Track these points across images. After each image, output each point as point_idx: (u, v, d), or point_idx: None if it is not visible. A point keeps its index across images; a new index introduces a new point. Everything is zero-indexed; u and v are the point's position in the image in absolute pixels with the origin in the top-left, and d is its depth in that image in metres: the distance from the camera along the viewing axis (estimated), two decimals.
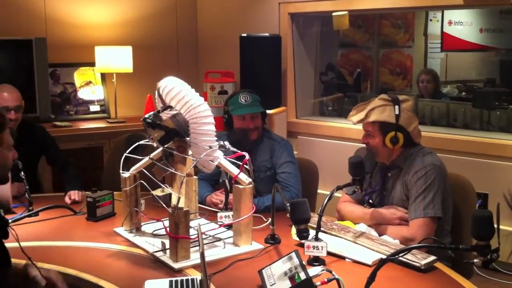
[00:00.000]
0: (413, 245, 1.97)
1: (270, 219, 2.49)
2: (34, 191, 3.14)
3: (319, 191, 3.28)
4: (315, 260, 2.18)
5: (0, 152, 2.00)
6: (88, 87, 5.14)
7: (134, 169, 2.63)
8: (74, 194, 3.07)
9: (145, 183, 2.55)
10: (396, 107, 2.57)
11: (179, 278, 2.04)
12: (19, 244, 1.96)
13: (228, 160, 2.49)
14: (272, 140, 3.15)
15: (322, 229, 2.35)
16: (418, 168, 2.53)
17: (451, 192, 2.59)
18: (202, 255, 1.74)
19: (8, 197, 2.83)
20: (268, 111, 3.58)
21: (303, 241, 2.19)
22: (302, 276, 1.80)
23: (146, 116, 2.36)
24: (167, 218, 2.30)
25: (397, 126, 2.55)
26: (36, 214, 2.83)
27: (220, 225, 2.52)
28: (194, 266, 2.20)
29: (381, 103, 2.61)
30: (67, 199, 3.06)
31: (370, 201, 2.70)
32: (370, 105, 2.63)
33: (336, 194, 2.38)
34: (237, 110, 3.06)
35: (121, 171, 2.60)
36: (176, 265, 2.19)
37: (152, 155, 2.58)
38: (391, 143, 2.56)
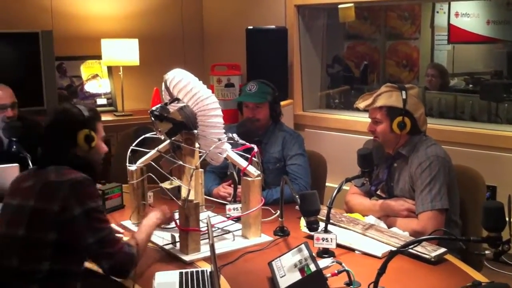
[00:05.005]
0: (424, 237, 1.95)
1: (278, 212, 2.48)
2: None
3: (327, 184, 3.27)
4: (325, 252, 2.17)
5: (97, 142, 2.06)
6: (95, 80, 5.14)
7: (141, 162, 2.63)
8: None
9: (153, 176, 2.55)
10: (403, 92, 2.56)
11: (189, 270, 2.04)
12: None
13: (236, 153, 2.48)
14: (284, 132, 3.15)
15: (331, 221, 2.34)
16: (422, 160, 2.51)
17: (456, 183, 2.57)
18: (212, 247, 1.74)
19: None
20: None
21: (312, 233, 2.19)
22: (312, 267, 1.80)
23: (154, 108, 2.33)
24: (176, 211, 2.30)
25: (404, 111, 2.53)
26: None
27: (229, 218, 2.51)
28: (205, 259, 2.20)
29: (388, 89, 2.61)
30: None
31: (378, 192, 2.70)
32: (377, 92, 2.62)
33: (344, 186, 2.37)
34: (239, 97, 3.15)
35: (127, 164, 2.60)
36: (187, 258, 2.19)
37: (159, 147, 2.57)
38: (399, 128, 2.54)
